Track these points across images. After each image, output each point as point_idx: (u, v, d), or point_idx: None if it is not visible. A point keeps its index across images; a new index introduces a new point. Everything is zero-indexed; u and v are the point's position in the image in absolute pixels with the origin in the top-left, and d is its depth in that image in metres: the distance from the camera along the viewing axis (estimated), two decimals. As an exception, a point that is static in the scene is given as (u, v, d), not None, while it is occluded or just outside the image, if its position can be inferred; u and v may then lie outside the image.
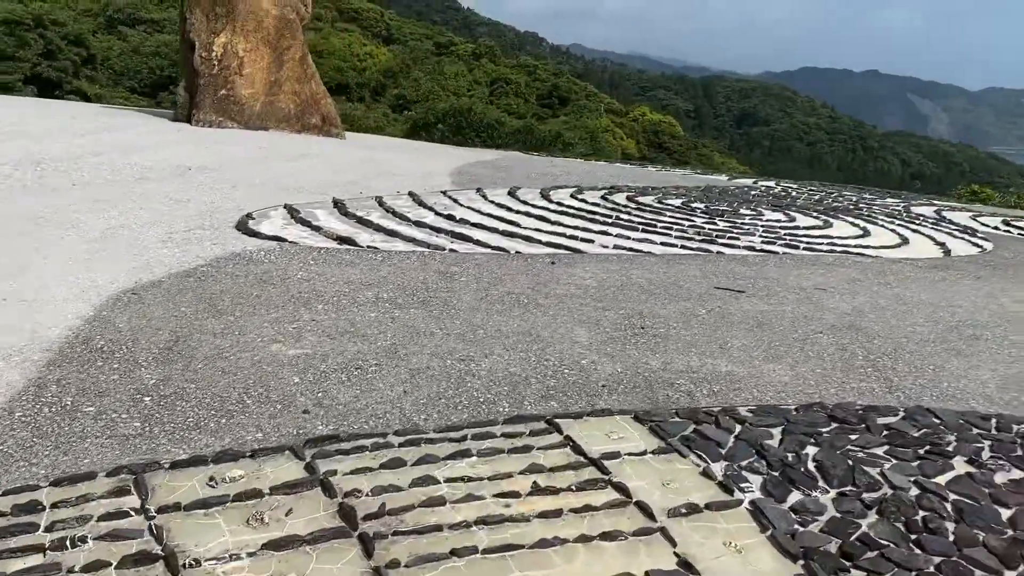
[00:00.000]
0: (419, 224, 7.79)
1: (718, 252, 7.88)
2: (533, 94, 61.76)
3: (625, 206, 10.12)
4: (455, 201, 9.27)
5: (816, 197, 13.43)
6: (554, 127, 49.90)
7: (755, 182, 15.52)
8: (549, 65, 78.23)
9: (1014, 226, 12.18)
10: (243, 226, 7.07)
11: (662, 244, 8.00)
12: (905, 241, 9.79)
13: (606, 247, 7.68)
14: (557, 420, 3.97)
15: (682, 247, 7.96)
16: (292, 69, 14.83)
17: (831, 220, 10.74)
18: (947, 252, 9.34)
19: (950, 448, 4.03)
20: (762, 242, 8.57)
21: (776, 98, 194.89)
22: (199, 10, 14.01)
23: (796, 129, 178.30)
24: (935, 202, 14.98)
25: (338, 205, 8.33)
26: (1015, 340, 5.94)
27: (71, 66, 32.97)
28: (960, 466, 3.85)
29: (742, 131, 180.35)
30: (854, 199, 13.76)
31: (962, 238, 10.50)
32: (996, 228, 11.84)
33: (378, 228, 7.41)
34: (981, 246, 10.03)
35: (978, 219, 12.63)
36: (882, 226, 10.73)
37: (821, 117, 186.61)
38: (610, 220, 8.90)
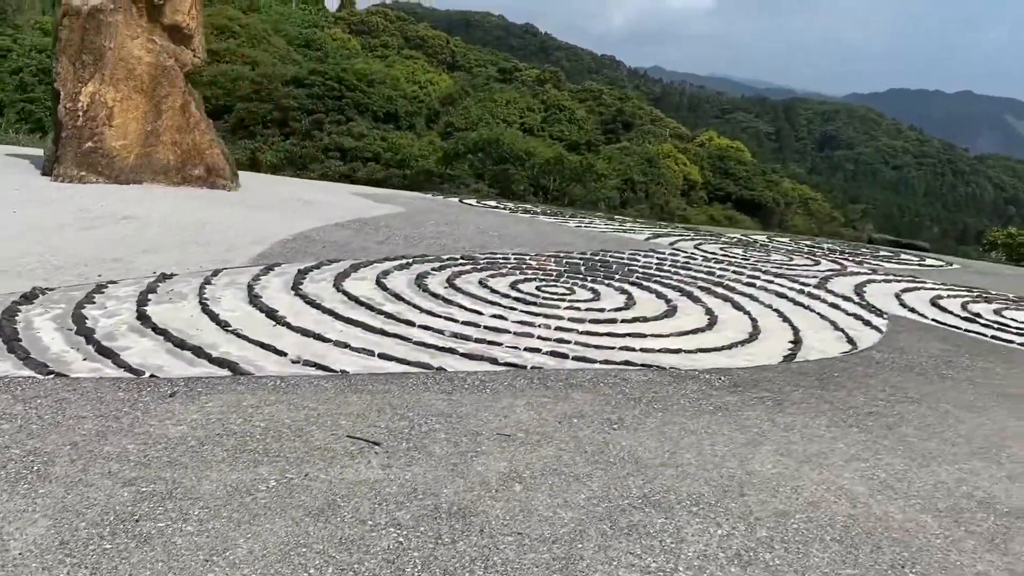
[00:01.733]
0: (80, 332, 6.45)
1: (439, 368, 6.29)
2: (591, 120, 60.75)
3: (423, 292, 8.58)
4: (200, 290, 7.90)
5: (719, 266, 11.63)
6: (608, 154, 48.57)
7: (672, 243, 13.65)
8: (615, 90, 77.36)
9: (939, 306, 10.19)
10: None
11: (380, 356, 6.46)
12: (753, 337, 8.01)
13: (296, 362, 6.21)
14: None
15: (400, 360, 6.40)
16: (172, 118, 13.78)
17: (681, 304, 9.02)
18: (790, 357, 7.54)
19: None
20: (525, 348, 6.94)
21: (860, 120, 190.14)
22: (65, 58, 13.10)
23: (881, 152, 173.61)
24: (884, 264, 13.00)
25: (23, 299, 7.09)
26: (692, 531, 4.22)
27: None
28: None
29: (824, 154, 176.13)
30: (766, 268, 11.90)
31: (842, 329, 8.65)
32: (912, 310, 9.88)
33: (7, 342, 6.11)
34: (855, 342, 8.19)
35: (902, 295, 10.67)
36: (746, 312, 8.94)
37: (908, 140, 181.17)
38: (358, 320, 7.39)
